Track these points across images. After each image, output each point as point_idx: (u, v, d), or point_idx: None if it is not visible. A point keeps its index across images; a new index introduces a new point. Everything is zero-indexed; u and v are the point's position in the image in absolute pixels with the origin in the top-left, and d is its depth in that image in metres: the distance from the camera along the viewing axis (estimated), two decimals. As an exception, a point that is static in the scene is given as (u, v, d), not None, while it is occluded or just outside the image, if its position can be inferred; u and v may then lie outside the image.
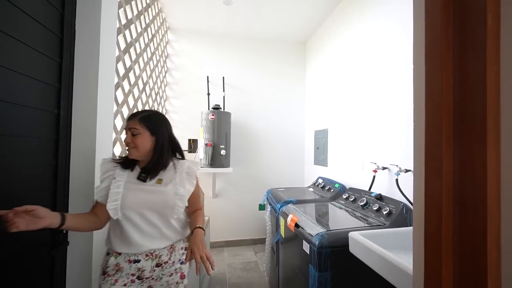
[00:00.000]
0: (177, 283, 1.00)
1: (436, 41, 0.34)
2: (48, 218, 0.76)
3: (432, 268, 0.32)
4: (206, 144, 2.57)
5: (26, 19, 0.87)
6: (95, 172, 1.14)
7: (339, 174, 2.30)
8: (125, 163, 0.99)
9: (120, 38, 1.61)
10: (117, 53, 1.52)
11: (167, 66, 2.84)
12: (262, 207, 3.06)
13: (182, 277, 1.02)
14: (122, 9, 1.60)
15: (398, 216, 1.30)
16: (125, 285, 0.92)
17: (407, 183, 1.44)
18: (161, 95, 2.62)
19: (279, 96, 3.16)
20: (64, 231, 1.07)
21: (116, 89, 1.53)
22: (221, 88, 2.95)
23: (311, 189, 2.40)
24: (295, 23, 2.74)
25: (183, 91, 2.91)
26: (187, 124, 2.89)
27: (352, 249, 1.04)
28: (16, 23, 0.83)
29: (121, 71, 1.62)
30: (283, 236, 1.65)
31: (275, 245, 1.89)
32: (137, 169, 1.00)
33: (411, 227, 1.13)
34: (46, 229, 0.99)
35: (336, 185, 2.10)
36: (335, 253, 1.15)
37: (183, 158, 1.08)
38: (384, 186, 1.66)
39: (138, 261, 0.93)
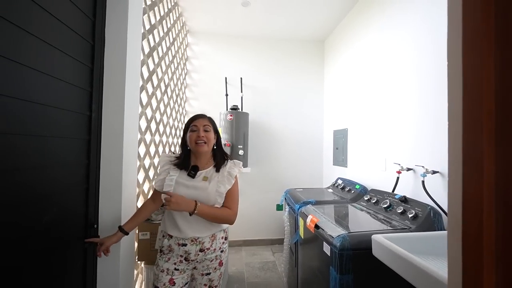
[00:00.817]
0: (215, 268, 1.14)
1: (476, 35, 0.32)
2: (115, 240, 1.09)
3: (471, 276, 0.30)
4: (224, 144, 2.61)
5: (64, 29, 0.94)
6: (123, 170, 1.20)
7: (360, 175, 2.24)
8: (181, 164, 1.14)
9: (144, 42, 1.68)
10: (141, 57, 1.59)
11: (186, 68, 2.93)
12: (279, 207, 3.05)
13: (220, 264, 1.16)
14: (146, 15, 1.67)
15: (425, 219, 1.24)
16: (175, 263, 1.09)
17: (435, 185, 1.37)
18: (181, 97, 2.70)
19: (297, 95, 3.13)
20: (95, 226, 1.15)
21: (140, 91, 1.60)
22: (239, 89, 2.98)
23: (330, 190, 2.36)
24: (312, 21, 2.70)
25: (202, 93, 2.98)
26: (206, 125, 2.94)
27: (376, 252, 1.01)
28: (56, 33, 0.90)
29: (145, 74, 1.69)
30: (302, 237, 1.64)
31: (294, 246, 1.88)
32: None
33: (442, 232, 1.08)
34: (79, 224, 1.08)
35: (357, 186, 2.05)
36: (357, 255, 1.12)
37: (226, 157, 1.21)
38: (408, 188, 1.59)
39: (185, 244, 1.08)
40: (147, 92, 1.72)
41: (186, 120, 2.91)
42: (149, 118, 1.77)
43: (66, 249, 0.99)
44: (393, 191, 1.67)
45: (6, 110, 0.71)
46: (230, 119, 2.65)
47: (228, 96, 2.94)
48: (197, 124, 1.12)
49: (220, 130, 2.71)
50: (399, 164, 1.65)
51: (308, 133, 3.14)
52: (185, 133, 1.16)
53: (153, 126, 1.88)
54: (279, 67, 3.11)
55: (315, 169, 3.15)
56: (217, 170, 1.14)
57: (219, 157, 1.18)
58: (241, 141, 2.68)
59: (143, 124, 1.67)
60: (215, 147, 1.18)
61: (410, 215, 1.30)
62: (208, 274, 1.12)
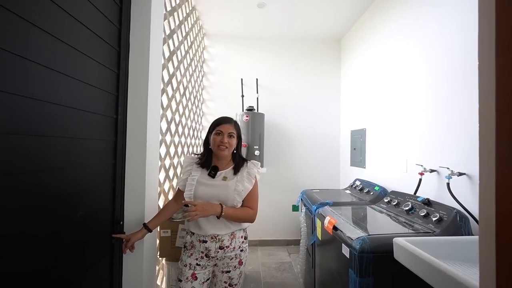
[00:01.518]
0: (235, 267, 1.16)
1: (510, 31, 0.31)
2: (139, 237, 1.16)
3: (507, 285, 0.29)
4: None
5: (93, 37, 1.00)
6: (146, 169, 1.26)
7: (379, 176, 2.18)
8: (204, 163, 1.20)
9: (165, 47, 1.74)
10: (162, 61, 1.65)
11: (203, 71, 2.99)
12: (295, 208, 3.04)
13: (240, 263, 1.18)
14: (166, 20, 1.73)
15: (451, 223, 1.18)
16: (196, 259, 1.14)
17: (461, 187, 1.31)
18: (198, 99, 2.77)
19: (313, 95, 3.10)
20: (121, 222, 1.21)
21: (161, 94, 1.66)
22: (254, 90, 3.01)
23: (347, 191, 2.31)
24: (329, 20, 2.67)
25: (219, 94, 3.03)
26: (222, 126, 2.99)
27: (398, 256, 0.98)
28: (87, 41, 0.96)
29: (166, 78, 1.76)
30: (320, 239, 1.63)
31: (311, 247, 1.87)
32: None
33: (472, 237, 1.03)
34: (107, 221, 1.14)
35: (376, 188, 1.99)
36: (378, 258, 1.09)
37: (245, 159, 1.25)
38: (432, 190, 1.53)
39: (205, 241, 1.12)
40: (167, 94, 1.79)
41: (202, 122, 3.00)
42: (169, 119, 1.84)
43: (96, 243, 1.05)
44: (415, 193, 1.61)
45: (46, 114, 0.78)
46: (246, 120, 2.68)
47: (244, 97, 2.97)
48: (222, 130, 1.16)
49: (236, 130, 2.74)
50: (421, 166, 1.59)
51: (325, 133, 3.10)
52: (210, 133, 1.21)
53: (172, 127, 1.95)
54: (295, 67, 3.09)
55: (331, 170, 3.10)
56: (235, 172, 1.18)
57: (238, 160, 1.22)
58: (257, 141, 2.70)
59: (164, 125, 1.74)
60: (235, 151, 1.23)
61: (434, 219, 1.25)
62: (228, 272, 1.15)
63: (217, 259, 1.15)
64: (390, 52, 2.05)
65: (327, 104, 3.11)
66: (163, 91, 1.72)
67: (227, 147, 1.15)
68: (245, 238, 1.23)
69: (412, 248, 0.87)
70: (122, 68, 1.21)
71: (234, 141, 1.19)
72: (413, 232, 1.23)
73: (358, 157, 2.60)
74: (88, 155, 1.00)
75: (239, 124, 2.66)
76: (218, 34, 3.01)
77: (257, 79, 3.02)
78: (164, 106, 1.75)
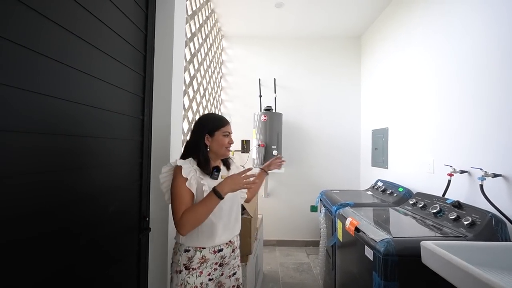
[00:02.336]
0: (238, 266, 1.14)
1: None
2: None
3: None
4: (258, 145, 2.66)
5: (123, 43, 1.06)
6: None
7: (403, 177, 2.09)
8: (205, 167, 1.04)
9: (186, 50, 1.80)
10: (184, 63, 1.71)
11: (222, 72, 3.04)
12: (314, 209, 3.00)
13: (240, 259, 1.16)
14: (187, 24, 1.79)
15: (485, 228, 1.11)
16: (209, 274, 0.99)
17: (496, 190, 1.23)
18: (217, 99, 2.82)
19: (332, 94, 3.05)
20: (147, 219, 1.27)
21: (183, 95, 1.72)
22: (272, 90, 3.01)
23: (369, 192, 2.24)
24: (349, 16, 2.60)
25: (237, 94, 3.07)
26: (240, 126, 3.03)
27: (426, 260, 0.94)
28: (118, 46, 1.02)
29: (187, 80, 1.81)
30: (341, 240, 1.59)
31: (331, 249, 1.83)
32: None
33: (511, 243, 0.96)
34: (134, 216, 1.20)
35: (400, 189, 1.91)
36: (404, 262, 1.05)
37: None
38: (462, 193, 1.45)
39: (221, 250, 1.03)
40: (188, 96, 1.84)
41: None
42: (190, 120, 1.89)
43: (124, 237, 1.11)
44: (443, 195, 1.53)
45: (82, 115, 0.84)
46: (264, 120, 2.68)
47: (261, 97, 2.98)
48: (229, 130, 1.12)
49: (254, 131, 2.76)
50: (450, 166, 1.51)
51: (344, 132, 3.03)
52: (207, 133, 1.07)
53: (193, 127, 2.01)
54: (313, 66, 3.05)
55: (351, 170, 3.02)
56: (228, 169, 1.18)
57: (226, 158, 1.20)
58: (274, 141, 2.70)
59: (185, 126, 1.79)
60: None
61: (465, 222, 1.18)
62: (235, 273, 1.11)
63: (226, 264, 1.07)
64: (415, 47, 1.96)
65: (346, 102, 3.04)
66: (185, 92, 1.77)
67: (230, 146, 1.13)
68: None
69: (443, 252, 0.83)
70: (148, 71, 1.27)
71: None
72: (442, 236, 1.17)
73: (380, 157, 2.51)
74: (118, 154, 1.06)
75: (257, 124, 2.70)
76: (236, 36, 3.05)
77: (274, 79, 3.01)
78: (186, 107, 1.80)
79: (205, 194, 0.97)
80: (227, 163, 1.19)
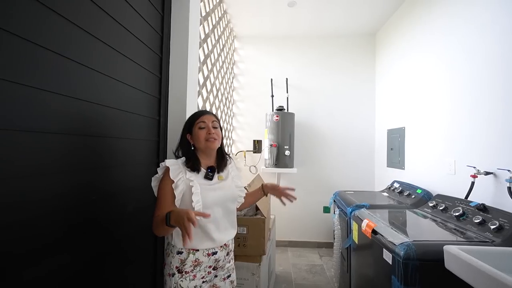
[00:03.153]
0: (233, 268, 1.09)
1: None
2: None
3: None
4: (270, 145, 2.65)
5: (142, 46, 1.09)
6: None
7: (421, 179, 2.02)
8: (194, 166, 0.98)
9: (200, 51, 1.82)
10: (198, 64, 1.73)
11: (234, 72, 3.06)
12: (327, 210, 2.95)
13: (231, 262, 1.08)
14: (201, 26, 1.80)
15: (514, 232, 1.05)
16: (202, 277, 0.95)
17: (525, 192, 1.16)
18: (229, 100, 2.84)
19: (345, 93, 2.99)
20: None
21: (197, 96, 1.74)
22: (284, 90, 2.99)
23: (385, 194, 2.18)
24: (363, 13, 2.54)
25: (248, 95, 3.07)
26: (252, 126, 3.03)
27: (450, 265, 0.90)
28: (137, 50, 1.05)
29: (201, 80, 1.83)
30: (356, 242, 1.56)
31: (346, 251, 1.80)
32: (202, 170, 1.01)
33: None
34: (150, 216, 1.22)
35: (418, 191, 1.85)
36: (425, 267, 1.01)
37: (227, 153, 1.15)
38: (487, 195, 1.38)
39: (215, 253, 0.97)
40: (202, 96, 1.86)
41: (233, 122, 3.06)
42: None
43: (142, 236, 1.13)
44: (466, 197, 1.46)
45: (103, 117, 0.86)
46: (276, 120, 2.67)
47: (273, 97, 2.97)
48: (205, 120, 1.01)
49: (266, 131, 2.75)
50: (474, 167, 1.44)
51: (358, 132, 2.97)
52: (187, 130, 1.04)
53: (206, 128, 2.02)
54: (326, 65, 3.01)
55: (366, 171, 2.95)
56: (220, 171, 1.05)
57: (221, 156, 1.08)
58: (287, 141, 2.68)
59: (199, 126, 1.81)
60: (222, 146, 1.10)
61: (492, 227, 1.12)
62: (229, 276, 1.05)
63: (221, 267, 1.01)
64: (434, 41, 1.88)
65: (361, 101, 2.97)
66: (198, 93, 1.79)
67: (216, 138, 1.01)
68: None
69: (469, 258, 0.79)
70: (164, 73, 1.29)
71: (219, 132, 1.04)
72: (466, 240, 1.12)
73: (396, 158, 2.44)
74: (136, 154, 1.08)
75: (269, 124, 2.69)
76: (248, 36, 3.05)
77: (287, 78, 2.99)
78: (200, 107, 1.82)
79: (194, 196, 0.91)
80: (220, 163, 1.06)
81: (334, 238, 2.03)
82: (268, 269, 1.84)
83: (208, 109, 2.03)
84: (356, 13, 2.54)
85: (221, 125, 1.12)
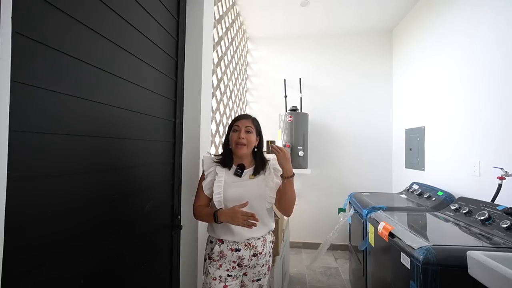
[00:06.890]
0: (265, 274, 1.12)
1: None
2: None
3: None
4: (284, 146, 2.64)
5: (158, 50, 1.13)
6: (200, 168, 1.35)
7: (442, 180, 1.93)
8: (224, 161, 1.10)
9: (214, 54, 1.85)
10: (212, 67, 1.76)
11: (247, 74, 3.08)
12: (342, 211, 2.89)
13: (269, 269, 1.13)
14: (215, 29, 1.84)
15: (546, 239, 0.98)
16: (227, 270, 1.03)
17: (560, 196, 1.07)
18: (242, 101, 2.86)
19: (360, 92, 2.92)
20: (179, 217, 1.32)
21: (211, 98, 1.77)
22: (297, 90, 2.97)
23: (403, 196, 2.11)
24: (379, 9, 2.47)
25: (262, 95, 3.08)
26: (266, 127, 2.99)
27: (474, 272, 0.85)
28: (153, 55, 1.09)
29: (214, 82, 1.87)
30: (373, 245, 1.52)
31: (362, 254, 1.75)
32: (233, 167, 1.11)
33: None
34: (167, 214, 1.26)
35: (440, 193, 1.77)
36: (446, 272, 0.97)
37: (267, 160, 1.16)
38: (516, 198, 1.29)
39: (239, 250, 1.03)
40: (216, 98, 1.89)
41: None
42: (217, 121, 1.94)
43: (159, 233, 1.17)
44: (492, 200, 1.38)
45: (123, 119, 0.90)
46: (290, 120, 2.66)
47: (287, 98, 2.96)
48: (239, 124, 1.08)
49: (279, 131, 2.75)
50: (501, 169, 1.36)
51: (374, 132, 2.88)
52: (229, 132, 1.13)
53: (221, 129, 2.05)
54: (340, 64, 2.95)
55: (382, 172, 2.86)
56: (258, 173, 1.10)
57: (259, 161, 1.12)
58: (300, 142, 2.66)
59: (213, 127, 1.85)
60: (255, 150, 1.13)
61: (521, 232, 1.05)
62: (259, 280, 1.09)
63: (249, 267, 1.07)
64: (456, 36, 1.80)
65: (377, 101, 2.89)
66: (212, 95, 1.83)
67: (245, 144, 1.06)
68: (273, 243, 1.16)
69: (496, 265, 0.75)
70: (179, 76, 1.33)
71: (252, 137, 1.08)
72: (492, 246, 1.06)
73: (415, 159, 2.34)
74: (153, 155, 1.12)
75: (283, 125, 2.68)
76: (261, 37, 3.06)
77: (300, 78, 2.97)
78: (213, 109, 1.85)
79: (215, 188, 1.05)
80: (258, 167, 1.10)
81: (334, 232, 1.99)
82: (282, 270, 1.83)
83: (222, 111, 2.06)
84: (371, 10, 2.48)
85: (260, 130, 1.15)
